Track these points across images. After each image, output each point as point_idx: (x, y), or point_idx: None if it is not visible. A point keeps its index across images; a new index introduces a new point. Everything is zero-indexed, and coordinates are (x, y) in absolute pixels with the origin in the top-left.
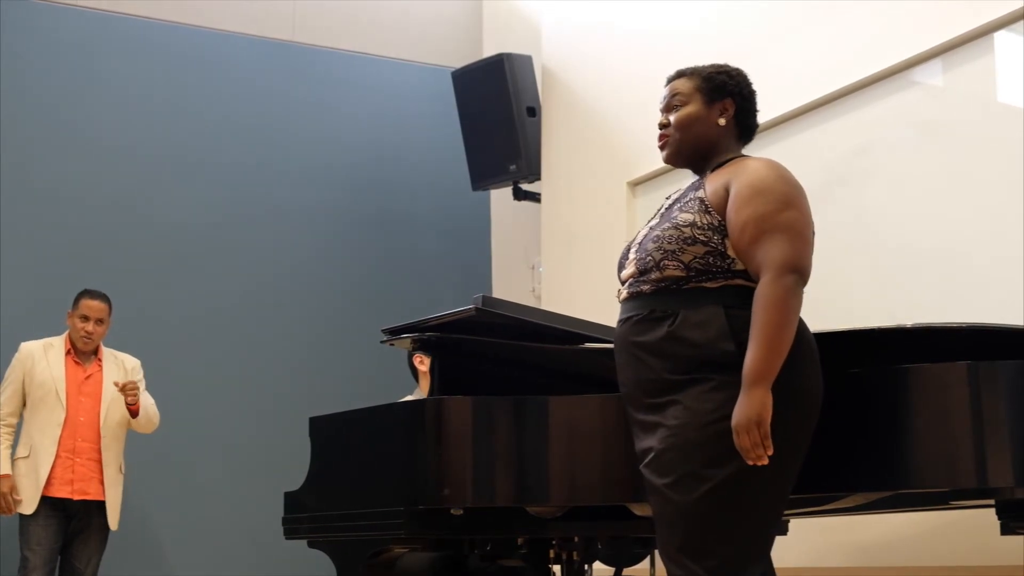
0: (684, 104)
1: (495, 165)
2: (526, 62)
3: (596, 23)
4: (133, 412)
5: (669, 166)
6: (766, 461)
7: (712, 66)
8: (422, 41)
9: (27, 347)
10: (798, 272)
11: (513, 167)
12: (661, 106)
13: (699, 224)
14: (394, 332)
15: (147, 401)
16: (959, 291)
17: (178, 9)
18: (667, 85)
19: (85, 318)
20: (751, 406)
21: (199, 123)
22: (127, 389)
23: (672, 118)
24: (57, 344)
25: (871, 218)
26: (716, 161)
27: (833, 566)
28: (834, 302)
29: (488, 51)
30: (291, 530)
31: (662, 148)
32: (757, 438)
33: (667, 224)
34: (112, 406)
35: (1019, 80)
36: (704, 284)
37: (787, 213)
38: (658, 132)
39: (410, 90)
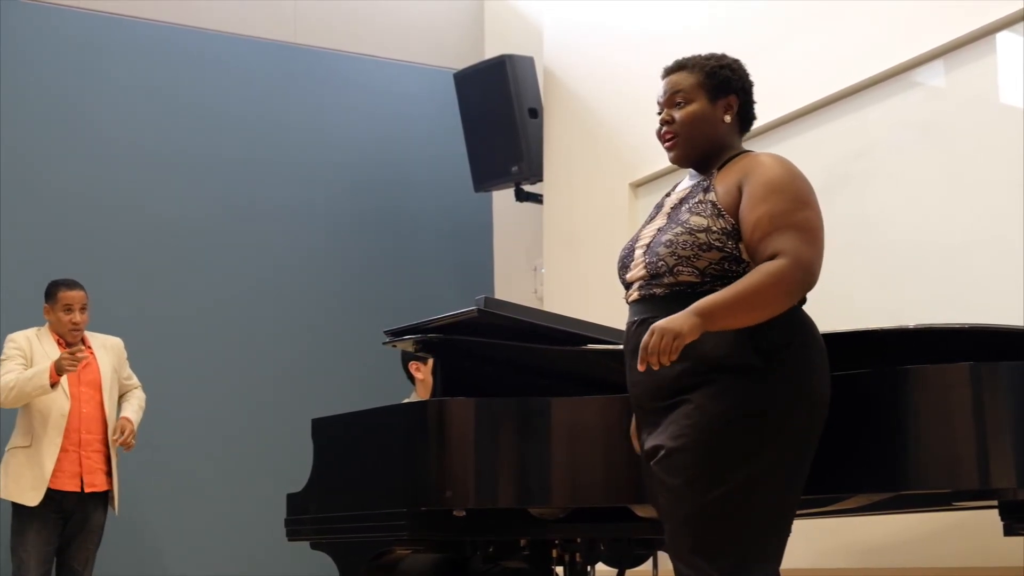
0: (688, 101)
1: (497, 166)
2: (528, 63)
3: (597, 24)
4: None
5: (671, 167)
6: (656, 367)
7: (712, 59)
8: (424, 43)
9: (19, 335)
10: (810, 275)
11: (515, 168)
12: (661, 99)
13: (713, 229)
14: (396, 334)
15: (134, 415)
16: (960, 291)
17: (179, 11)
18: (666, 77)
19: (69, 308)
20: (681, 322)
21: (201, 125)
22: (126, 442)
23: (676, 115)
24: (45, 335)
25: (873, 219)
26: (721, 158)
27: (836, 567)
28: (836, 302)
29: (490, 52)
30: (293, 532)
31: (669, 148)
32: (662, 346)
33: (678, 228)
34: (110, 394)
35: (1020, 81)
36: (719, 288)
37: (803, 212)
38: (661, 128)
39: (412, 92)
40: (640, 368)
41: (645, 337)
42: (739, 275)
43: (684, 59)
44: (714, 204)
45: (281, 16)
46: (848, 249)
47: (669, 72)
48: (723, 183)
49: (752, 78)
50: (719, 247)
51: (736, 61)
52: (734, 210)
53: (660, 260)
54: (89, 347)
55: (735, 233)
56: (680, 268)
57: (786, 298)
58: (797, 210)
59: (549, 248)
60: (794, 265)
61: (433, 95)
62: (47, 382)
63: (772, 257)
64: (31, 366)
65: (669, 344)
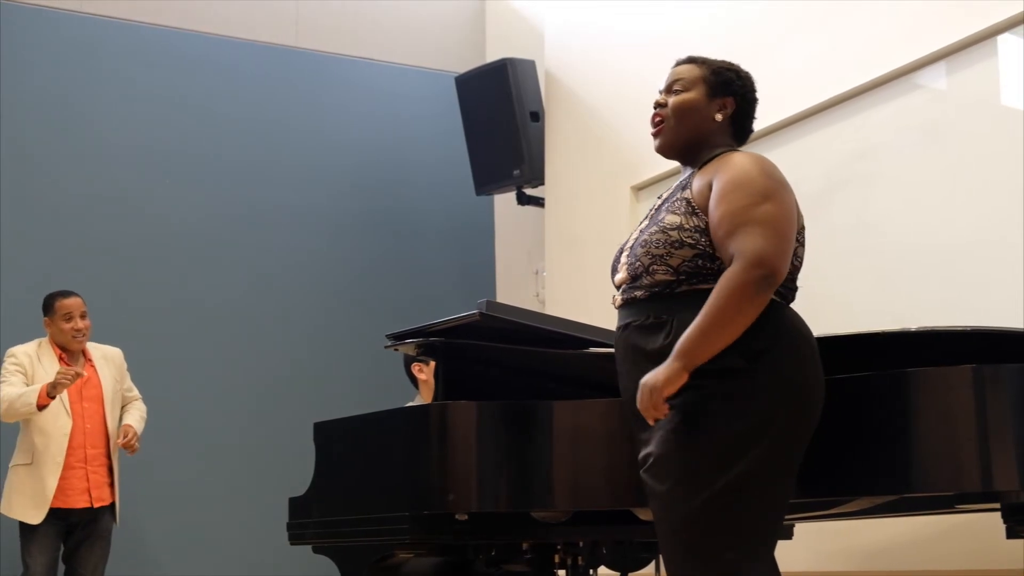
0: (685, 90)
1: (498, 170)
2: (529, 67)
3: (599, 28)
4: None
5: (672, 170)
6: (652, 423)
7: (723, 61)
8: (426, 46)
9: (20, 349)
10: (768, 269)
11: (516, 172)
12: (662, 87)
13: (686, 227)
14: (399, 337)
15: (136, 424)
16: (962, 293)
17: (181, 15)
18: (673, 68)
19: (69, 317)
20: (659, 375)
21: (203, 128)
22: (130, 445)
23: (670, 101)
24: (46, 350)
25: (875, 221)
26: (705, 156)
27: (839, 570)
28: (838, 305)
29: (491, 56)
30: (296, 535)
31: (655, 135)
32: (647, 405)
33: (654, 227)
34: (112, 407)
35: (1022, 83)
36: (697, 286)
37: (764, 207)
38: (653, 112)
39: (414, 95)
40: (651, 423)
41: (638, 396)
42: (714, 272)
43: (696, 55)
44: (688, 201)
45: (283, 20)
46: (850, 251)
47: (678, 63)
48: (699, 180)
49: (757, 84)
50: (691, 244)
51: (747, 74)
52: (706, 207)
53: (638, 261)
54: (90, 359)
55: (708, 230)
56: (655, 267)
57: (751, 302)
58: (757, 205)
59: (550, 251)
60: (748, 266)
61: (435, 98)
62: (34, 402)
63: (731, 260)
64: (32, 383)
65: (649, 400)
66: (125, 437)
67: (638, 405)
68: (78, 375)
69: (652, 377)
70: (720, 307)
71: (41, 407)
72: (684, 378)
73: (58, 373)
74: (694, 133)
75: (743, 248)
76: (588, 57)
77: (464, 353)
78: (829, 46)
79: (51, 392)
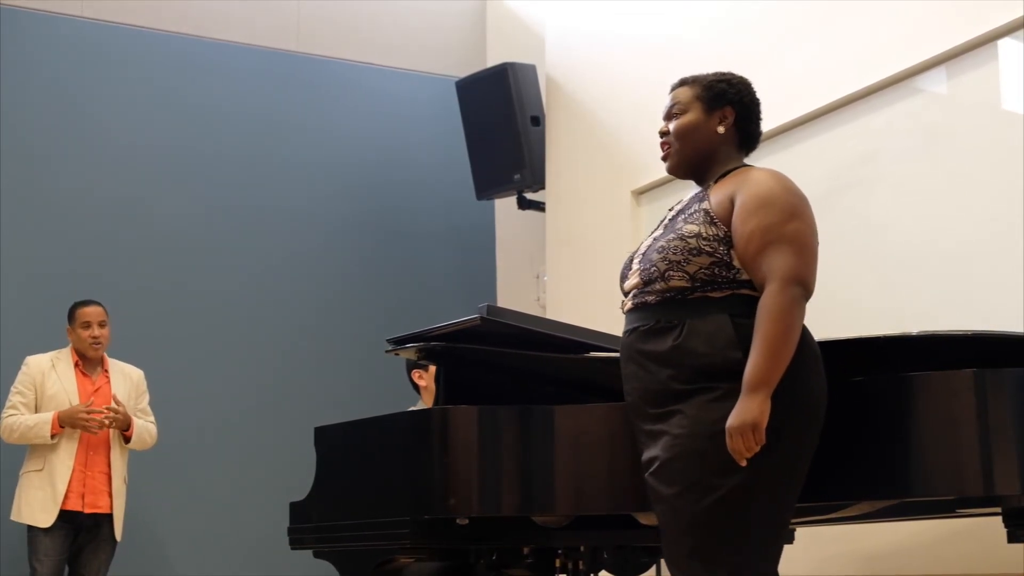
0: (683, 113)
1: (499, 174)
2: (530, 71)
3: (600, 32)
4: (127, 437)
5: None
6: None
7: (714, 74)
8: (426, 51)
9: (35, 360)
10: (802, 285)
11: (517, 176)
12: (663, 115)
13: (704, 235)
14: (399, 342)
15: (141, 425)
16: (964, 297)
17: (182, 20)
18: (670, 93)
19: (87, 324)
20: (750, 411)
21: (203, 134)
22: (105, 418)
23: (671, 126)
24: (64, 357)
25: (876, 225)
26: (718, 171)
27: (839, 575)
28: (840, 309)
29: (492, 60)
30: (296, 540)
31: (664, 159)
32: (751, 443)
33: (672, 235)
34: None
35: (1022, 87)
36: (710, 294)
37: (793, 224)
38: (660, 140)
39: (414, 100)
40: (742, 464)
41: (729, 444)
42: (729, 280)
43: (688, 76)
44: (707, 212)
45: (284, 24)
46: (851, 255)
47: (673, 88)
48: (717, 194)
49: (758, 89)
50: (709, 252)
51: (740, 78)
52: (726, 219)
53: (653, 266)
54: (107, 370)
55: (726, 239)
56: (671, 273)
57: (796, 318)
58: (787, 222)
59: (551, 256)
60: (784, 285)
61: (435, 103)
62: (48, 434)
63: (764, 278)
64: (41, 395)
65: (751, 441)
66: (115, 409)
67: (730, 448)
68: (101, 425)
69: (739, 418)
70: (774, 331)
71: (54, 436)
72: (768, 406)
73: (82, 414)
74: (701, 150)
75: (777, 267)
76: (589, 61)
77: (465, 357)
78: (830, 50)
79: (64, 422)
